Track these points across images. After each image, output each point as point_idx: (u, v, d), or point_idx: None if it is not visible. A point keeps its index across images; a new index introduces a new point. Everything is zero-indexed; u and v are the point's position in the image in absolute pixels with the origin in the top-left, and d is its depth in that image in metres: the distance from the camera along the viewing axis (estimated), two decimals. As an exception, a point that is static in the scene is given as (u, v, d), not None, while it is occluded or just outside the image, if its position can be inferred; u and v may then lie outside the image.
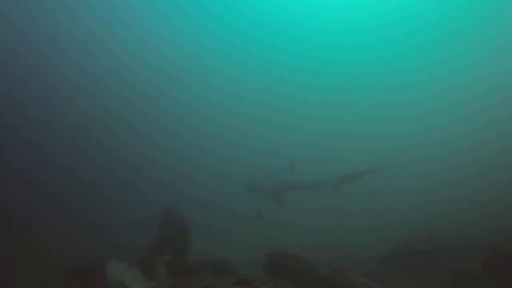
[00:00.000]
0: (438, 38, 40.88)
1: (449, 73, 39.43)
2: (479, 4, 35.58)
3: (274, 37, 44.40)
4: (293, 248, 7.79)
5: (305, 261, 7.11)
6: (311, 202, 13.51)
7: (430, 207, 13.61)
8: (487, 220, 9.97)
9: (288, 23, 43.47)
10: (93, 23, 33.72)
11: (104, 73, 31.62)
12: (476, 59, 38.72)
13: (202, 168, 21.89)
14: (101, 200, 16.09)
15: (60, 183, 16.95)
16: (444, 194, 15.20)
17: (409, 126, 32.29)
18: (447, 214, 11.94)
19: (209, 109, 35.69)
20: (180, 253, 7.71)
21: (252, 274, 7.04)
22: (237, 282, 6.04)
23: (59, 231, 11.77)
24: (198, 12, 40.39)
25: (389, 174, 17.54)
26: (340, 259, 8.44)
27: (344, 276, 6.80)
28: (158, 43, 38.58)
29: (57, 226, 12.25)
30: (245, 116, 35.69)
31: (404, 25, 41.72)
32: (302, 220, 13.34)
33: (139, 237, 10.39)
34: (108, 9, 35.06)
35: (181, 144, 27.14)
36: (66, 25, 31.14)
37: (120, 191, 17.95)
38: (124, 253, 8.31)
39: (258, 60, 43.77)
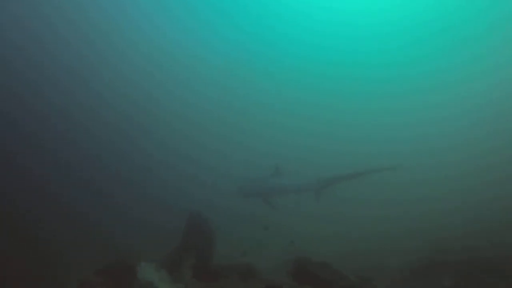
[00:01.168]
0: (447, 46, 41.17)
1: (458, 80, 39.48)
2: (489, 14, 35.92)
3: (282, 40, 44.71)
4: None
5: (331, 269, 7.12)
6: (333, 209, 13.42)
7: (462, 214, 13.19)
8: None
9: (295, 26, 43.81)
10: (103, 23, 33.94)
11: (116, 77, 31.81)
12: (484, 67, 38.91)
13: (219, 174, 21.74)
14: (110, 202, 15.93)
15: (67, 183, 16.84)
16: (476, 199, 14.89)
17: (417, 131, 31.97)
18: (483, 221, 11.59)
19: (220, 111, 35.71)
20: (205, 256, 7.76)
21: (276, 279, 7.09)
22: (267, 287, 6.08)
23: (61, 232, 11.64)
24: (206, 13, 40.77)
25: (412, 181, 17.32)
26: (365, 267, 8.34)
27: (370, 285, 6.83)
28: (170, 44, 38.88)
29: (60, 226, 12.11)
30: (258, 120, 35.62)
31: (411, 32, 42.05)
32: (327, 228, 13.22)
33: (144, 240, 10.41)
34: (118, 8, 35.30)
35: (196, 148, 27.00)
36: (76, 25, 31.37)
37: (129, 193, 17.81)
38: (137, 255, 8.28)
39: (272, 65, 44.00)
